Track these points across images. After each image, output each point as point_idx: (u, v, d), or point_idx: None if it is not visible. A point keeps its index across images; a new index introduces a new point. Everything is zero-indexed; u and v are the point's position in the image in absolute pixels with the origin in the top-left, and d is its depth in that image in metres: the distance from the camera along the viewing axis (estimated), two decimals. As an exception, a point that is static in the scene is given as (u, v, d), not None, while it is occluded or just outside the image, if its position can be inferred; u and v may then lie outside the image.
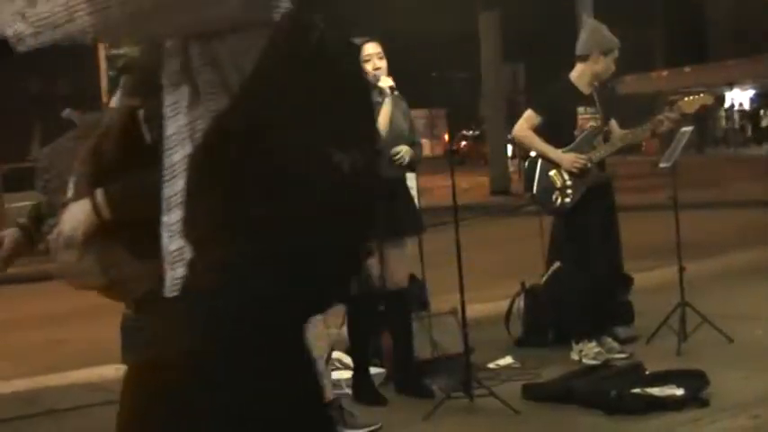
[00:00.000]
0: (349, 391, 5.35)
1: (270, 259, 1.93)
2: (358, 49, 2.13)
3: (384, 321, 5.55)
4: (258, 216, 1.93)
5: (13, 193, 15.71)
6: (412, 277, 5.89)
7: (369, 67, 5.28)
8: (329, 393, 4.70)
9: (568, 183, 5.93)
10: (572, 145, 5.96)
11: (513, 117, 6.48)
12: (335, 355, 5.48)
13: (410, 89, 5.40)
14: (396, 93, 5.30)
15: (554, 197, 5.97)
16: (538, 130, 6.04)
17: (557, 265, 6.43)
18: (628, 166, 17.96)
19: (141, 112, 2.70)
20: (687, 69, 38.38)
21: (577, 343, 5.89)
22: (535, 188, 6.04)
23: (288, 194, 1.93)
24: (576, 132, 5.98)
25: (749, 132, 39.37)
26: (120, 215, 2.72)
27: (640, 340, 6.19)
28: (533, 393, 5.14)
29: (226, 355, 1.93)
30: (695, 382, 4.87)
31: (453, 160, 6.30)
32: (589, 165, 5.91)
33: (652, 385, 4.87)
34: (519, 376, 5.57)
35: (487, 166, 25.97)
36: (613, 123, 6.11)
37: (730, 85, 39.20)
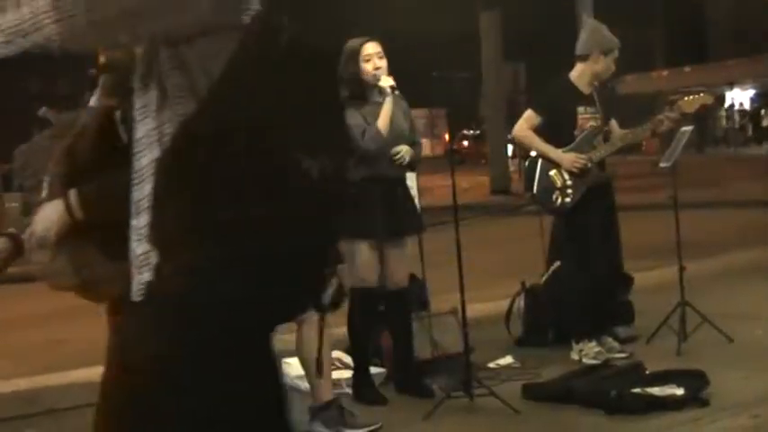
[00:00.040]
0: (349, 390, 5.35)
1: (237, 264, 1.93)
2: (336, 52, 2.10)
3: (384, 321, 5.55)
4: (225, 220, 1.92)
5: (13, 192, 15.73)
6: (412, 277, 5.90)
7: (369, 66, 5.28)
8: (329, 393, 4.71)
9: (568, 182, 5.93)
10: (572, 145, 5.96)
11: (514, 117, 6.48)
12: (336, 354, 5.49)
13: (410, 89, 5.40)
14: (397, 92, 5.30)
15: (554, 197, 5.97)
16: (538, 130, 6.04)
17: (557, 264, 6.43)
18: (628, 165, 17.96)
19: (118, 113, 2.69)
20: (687, 69, 38.39)
21: (577, 343, 5.90)
22: (535, 188, 6.04)
23: (255, 199, 1.93)
24: (576, 132, 5.98)
25: (749, 132, 39.35)
26: (93, 216, 2.70)
27: (640, 340, 6.19)
28: (533, 393, 5.14)
29: (192, 359, 1.93)
30: (695, 382, 4.87)
31: (454, 160, 6.30)
32: (589, 164, 5.91)
33: (652, 385, 4.87)
34: (519, 376, 5.57)
35: (488, 166, 25.97)
36: (613, 123, 6.11)
37: (730, 85, 39.19)
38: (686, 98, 6.04)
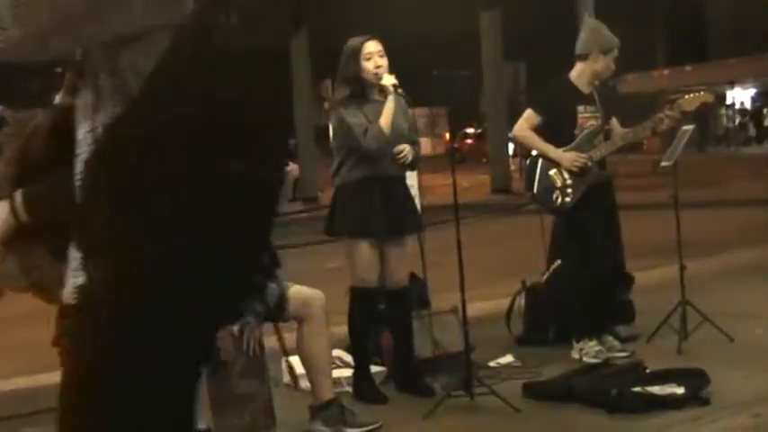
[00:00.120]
0: (349, 389, 5.35)
1: (165, 265, 1.92)
2: (283, 53, 2.07)
3: (384, 320, 5.55)
4: (153, 222, 1.91)
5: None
6: (412, 276, 5.90)
7: (370, 65, 5.28)
8: (330, 391, 4.70)
9: (569, 182, 5.93)
10: (572, 144, 5.96)
11: (515, 116, 6.48)
12: (336, 353, 5.48)
13: (411, 88, 5.40)
14: (400, 90, 5.30)
15: (554, 196, 5.97)
16: (538, 130, 6.04)
17: (557, 263, 6.43)
18: (629, 164, 17.94)
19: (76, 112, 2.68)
20: (688, 68, 38.36)
21: (578, 341, 5.89)
22: (536, 187, 6.04)
23: (183, 201, 1.91)
24: (576, 131, 5.98)
25: (750, 131, 39.31)
26: (38, 217, 2.68)
27: (641, 339, 6.19)
28: (534, 392, 5.14)
29: (124, 361, 1.93)
30: (696, 381, 4.87)
31: (454, 159, 6.30)
32: (589, 164, 5.91)
33: (653, 384, 4.87)
34: (520, 375, 5.56)
35: (488, 165, 25.98)
36: (614, 122, 6.11)
37: (731, 84, 39.17)
38: (686, 96, 6.04)
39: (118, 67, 1.96)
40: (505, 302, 6.71)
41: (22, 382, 6.25)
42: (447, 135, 40.13)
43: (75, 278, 2.03)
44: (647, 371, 5.16)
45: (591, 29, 6.16)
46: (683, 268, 6.12)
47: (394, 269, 5.41)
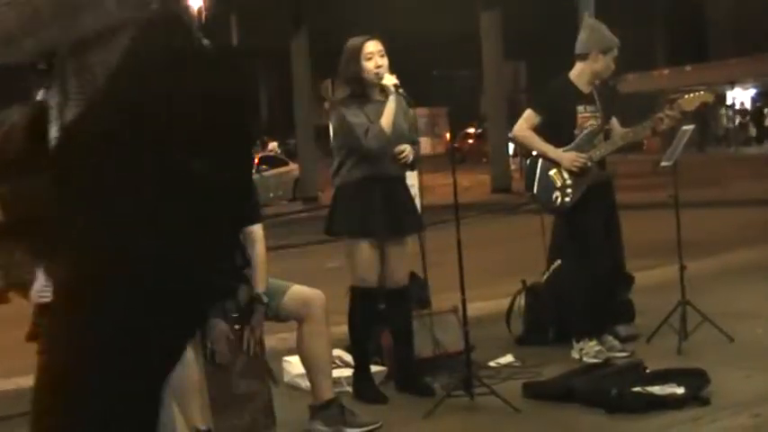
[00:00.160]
0: (349, 389, 5.35)
1: (125, 267, 1.92)
2: (243, 53, 2.06)
3: (385, 319, 5.55)
4: (111, 223, 1.90)
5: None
6: (413, 275, 5.90)
7: (370, 65, 5.27)
8: (330, 391, 4.70)
9: (568, 182, 5.93)
10: (572, 144, 5.96)
11: (515, 116, 6.48)
12: (336, 352, 5.48)
13: (411, 88, 5.40)
14: (401, 90, 5.29)
15: (554, 196, 5.97)
16: (538, 130, 6.04)
17: (557, 263, 6.44)
18: (629, 164, 17.95)
19: None
20: (688, 68, 38.36)
21: (578, 341, 5.89)
22: (535, 187, 6.04)
23: (142, 201, 1.91)
24: (576, 131, 5.97)
25: (750, 131, 39.29)
26: (15, 216, 2.67)
27: (641, 339, 6.19)
28: (534, 392, 5.14)
29: (92, 360, 1.93)
30: (696, 381, 4.87)
31: (455, 158, 6.29)
32: (589, 163, 5.91)
33: (653, 384, 4.87)
34: (520, 374, 5.57)
35: (489, 165, 25.99)
36: (614, 122, 6.11)
37: (731, 84, 39.17)
38: (686, 96, 6.04)
39: (86, 67, 1.94)
40: (505, 302, 6.71)
41: (22, 382, 6.25)
42: (447, 135, 40.12)
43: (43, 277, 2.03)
44: (647, 371, 5.16)
45: (590, 28, 6.15)
46: (682, 268, 6.12)
47: (394, 269, 5.41)
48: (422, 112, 37.32)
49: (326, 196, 14.59)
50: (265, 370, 4.62)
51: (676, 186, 6.12)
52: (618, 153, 6.14)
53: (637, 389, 4.83)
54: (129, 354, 1.96)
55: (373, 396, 5.27)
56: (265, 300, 4.55)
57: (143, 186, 1.90)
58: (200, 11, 49.63)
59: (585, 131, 5.95)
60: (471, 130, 45.10)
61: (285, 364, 5.69)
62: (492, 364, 5.86)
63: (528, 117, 6.09)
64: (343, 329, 5.56)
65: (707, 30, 45.10)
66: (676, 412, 4.65)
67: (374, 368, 5.51)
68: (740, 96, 40.99)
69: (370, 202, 5.25)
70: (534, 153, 6.17)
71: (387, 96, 5.30)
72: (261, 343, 4.58)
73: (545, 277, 6.54)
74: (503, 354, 6.03)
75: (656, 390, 4.81)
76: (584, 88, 6.02)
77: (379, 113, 5.25)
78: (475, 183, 25.13)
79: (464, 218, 5.52)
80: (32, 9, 1.87)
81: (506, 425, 4.75)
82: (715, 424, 4.49)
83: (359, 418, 4.74)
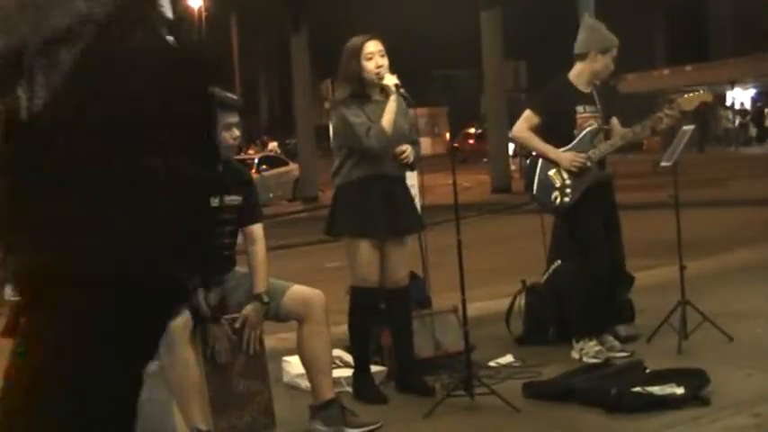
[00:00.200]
0: (349, 389, 5.35)
1: (87, 265, 1.91)
2: (205, 50, 2.05)
3: (385, 319, 5.55)
4: (74, 218, 1.89)
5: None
6: (412, 275, 5.90)
7: (371, 65, 5.27)
8: (330, 391, 4.70)
9: (567, 182, 5.93)
10: (572, 144, 5.96)
11: (515, 115, 6.48)
12: (336, 353, 5.48)
13: (411, 88, 5.40)
14: (402, 90, 5.29)
15: (553, 196, 5.96)
16: (537, 130, 6.04)
17: (557, 263, 6.44)
18: (629, 164, 17.99)
19: None
20: (688, 68, 38.37)
21: (578, 341, 5.89)
22: (535, 188, 6.04)
23: (104, 198, 1.90)
24: (575, 132, 5.97)
25: (750, 131, 39.29)
26: None
27: (641, 339, 6.19)
28: (534, 391, 5.14)
29: (58, 360, 1.93)
30: (696, 381, 4.86)
31: (455, 158, 6.29)
32: (588, 163, 5.91)
33: (653, 384, 4.87)
34: (520, 374, 5.56)
35: (489, 165, 26.01)
36: (615, 121, 6.10)
37: (731, 84, 39.19)
38: (685, 95, 6.03)
39: (56, 64, 1.94)
40: (506, 302, 6.71)
41: None
42: (447, 135, 40.13)
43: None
44: (647, 371, 5.16)
45: (589, 28, 6.15)
46: (683, 268, 6.12)
47: (394, 269, 5.41)
48: (422, 112, 37.33)
49: (326, 196, 14.58)
50: (263, 365, 4.63)
51: (676, 186, 6.12)
52: (618, 153, 6.14)
53: (637, 389, 4.82)
54: (99, 353, 1.95)
55: (373, 396, 5.27)
56: (266, 299, 4.55)
57: (105, 183, 1.90)
58: (199, 11, 49.68)
59: (585, 131, 5.95)
60: (472, 131, 45.14)
61: (285, 364, 5.69)
62: (492, 364, 5.86)
63: (527, 117, 6.09)
64: (343, 329, 5.56)
65: (707, 29, 45.13)
66: (676, 412, 4.65)
67: (374, 368, 5.51)
68: (740, 96, 41.00)
69: (371, 202, 5.25)
70: (534, 153, 6.17)
71: (387, 96, 5.30)
72: (261, 343, 4.58)
73: (545, 277, 6.55)
74: (503, 354, 6.02)
75: (656, 390, 4.81)
76: (584, 88, 6.02)
77: (380, 113, 5.25)
78: (475, 183, 25.16)
79: (464, 218, 5.52)
80: (1, 7, 1.86)
81: (506, 425, 4.75)
82: (715, 424, 4.49)
83: (359, 419, 4.74)
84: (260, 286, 4.57)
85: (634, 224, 7.58)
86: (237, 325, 4.47)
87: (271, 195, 26.33)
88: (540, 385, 5.24)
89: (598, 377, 5.14)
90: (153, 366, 3.47)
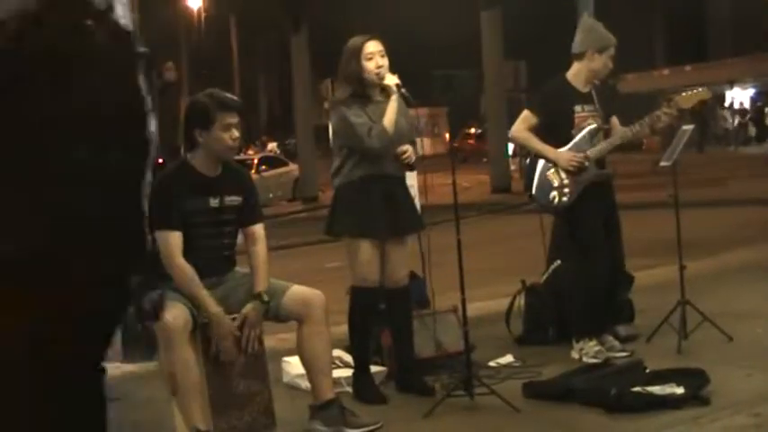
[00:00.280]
0: (349, 389, 5.35)
1: (8, 266, 1.89)
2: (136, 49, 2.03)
3: (385, 319, 5.55)
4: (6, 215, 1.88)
5: None
6: (412, 275, 5.90)
7: (371, 65, 5.27)
8: (330, 392, 4.70)
9: (566, 182, 5.92)
10: (571, 143, 5.96)
11: (515, 115, 6.48)
12: (336, 353, 5.48)
13: (411, 88, 5.40)
14: (403, 90, 5.29)
15: (551, 196, 5.96)
16: (536, 130, 6.04)
17: (557, 263, 6.44)
18: (629, 164, 17.99)
19: None
20: (688, 68, 38.37)
21: (578, 341, 5.89)
22: (534, 188, 6.04)
23: (23, 195, 1.89)
24: (573, 131, 5.97)
25: (750, 131, 39.29)
26: None
27: (641, 338, 6.19)
28: (534, 391, 5.14)
29: (10, 363, 1.92)
30: (696, 381, 4.87)
31: (455, 158, 6.29)
32: (586, 163, 5.91)
33: (652, 384, 4.87)
34: (519, 374, 5.56)
35: (489, 165, 26.02)
36: (614, 121, 6.10)
37: (731, 84, 39.19)
38: (684, 94, 6.03)
39: None
40: (505, 302, 6.71)
41: None
42: (447, 135, 40.14)
43: None
44: (647, 371, 5.16)
45: (586, 28, 6.15)
46: (682, 268, 6.12)
47: (395, 269, 5.41)
48: (422, 111, 37.22)
49: (327, 196, 14.57)
50: (263, 365, 4.62)
51: (676, 186, 6.12)
52: (618, 152, 6.14)
53: (636, 389, 4.83)
54: (46, 353, 1.95)
55: (373, 396, 5.27)
56: (266, 299, 4.55)
57: (24, 177, 1.89)
58: (199, 11, 49.69)
59: (585, 131, 5.95)
60: (472, 131, 45.14)
61: (285, 365, 5.69)
62: (492, 364, 5.86)
63: (525, 118, 6.09)
64: (343, 329, 5.56)
65: (706, 29, 45.12)
66: (676, 412, 4.65)
67: (374, 368, 5.51)
68: (739, 96, 41.01)
69: (371, 202, 5.25)
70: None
71: (388, 96, 5.30)
72: (261, 343, 4.58)
73: (545, 277, 6.55)
74: (502, 353, 6.03)
75: (655, 389, 4.81)
76: (582, 88, 6.02)
77: (381, 113, 5.25)
78: (475, 183, 25.16)
79: (464, 218, 5.52)
80: None
81: (506, 425, 4.75)
82: (715, 424, 4.49)
83: (359, 419, 4.74)
84: (260, 286, 4.57)
85: (634, 224, 7.58)
86: (237, 324, 4.47)
87: (270, 196, 26.33)
88: (540, 385, 5.24)
89: (598, 377, 5.14)
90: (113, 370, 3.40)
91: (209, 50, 50.30)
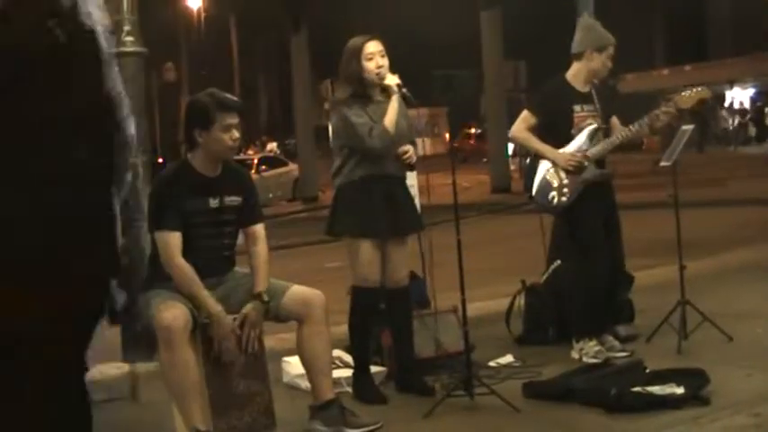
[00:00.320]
0: (349, 389, 5.35)
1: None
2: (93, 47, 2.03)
3: (385, 319, 5.55)
4: None
5: None
6: (412, 275, 5.90)
7: (371, 65, 5.27)
8: (330, 392, 4.70)
9: (565, 182, 5.92)
10: (571, 143, 5.96)
11: (515, 115, 6.49)
12: (336, 353, 5.48)
13: (411, 88, 5.40)
14: (404, 90, 5.29)
15: (551, 196, 5.96)
16: (535, 130, 6.04)
17: (557, 263, 6.44)
18: (628, 164, 17.98)
19: None
20: (687, 68, 38.39)
21: (578, 341, 5.89)
22: (534, 188, 6.03)
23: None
24: (573, 131, 5.97)
25: (750, 131, 39.30)
26: None
27: (641, 338, 6.19)
28: (534, 391, 5.14)
29: None
30: (695, 381, 4.87)
31: (455, 158, 6.29)
32: (585, 162, 5.91)
33: (652, 384, 4.87)
34: (519, 374, 5.56)
35: (489, 165, 26.02)
36: (615, 121, 6.10)
37: (731, 84, 39.18)
38: (683, 93, 6.03)
39: None
40: (505, 302, 6.71)
41: None
42: (447, 135, 40.14)
43: None
44: (647, 371, 5.16)
45: (585, 27, 6.15)
46: (682, 268, 6.12)
47: (395, 269, 5.41)
48: (422, 111, 37.26)
49: (326, 196, 14.56)
50: (263, 365, 4.62)
51: (676, 186, 6.12)
52: (618, 152, 6.14)
53: (636, 389, 4.82)
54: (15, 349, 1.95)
55: (373, 396, 5.27)
56: (266, 298, 4.55)
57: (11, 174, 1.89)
58: (199, 11, 49.67)
59: (585, 131, 5.95)
60: (472, 131, 45.15)
61: (285, 365, 5.69)
62: (492, 364, 5.86)
63: (524, 118, 6.09)
64: (343, 329, 5.56)
65: (706, 29, 45.14)
66: (676, 412, 4.65)
67: (374, 368, 5.51)
68: (739, 96, 41.01)
69: (372, 202, 5.25)
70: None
71: (388, 96, 5.30)
72: (261, 343, 4.58)
73: (545, 277, 6.55)
74: (503, 353, 6.03)
75: (655, 389, 4.81)
76: (582, 87, 6.02)
77: (381, 113, 5.24)
78: (475, 183, 25.16)
79: (464, 218, 5.52)
80: None
81: (506, 425, 4.75)
82: (715, 423, 4.49)
83: (359, 419, 4.74)
84: (261, 285, 4.56)
85: (634, 224, 7.58)
86: (237, 323, 4.47)
87: (270, 196, 26.35)
88: (540, 385, 5.24)
89: (598, 377, 5.14)
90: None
91: (209, 50, 50.30)
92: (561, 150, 5.95)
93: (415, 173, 5.88)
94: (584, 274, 5.89)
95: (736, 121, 39.64)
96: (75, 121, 1.99)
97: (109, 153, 2.08)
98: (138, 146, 6.24)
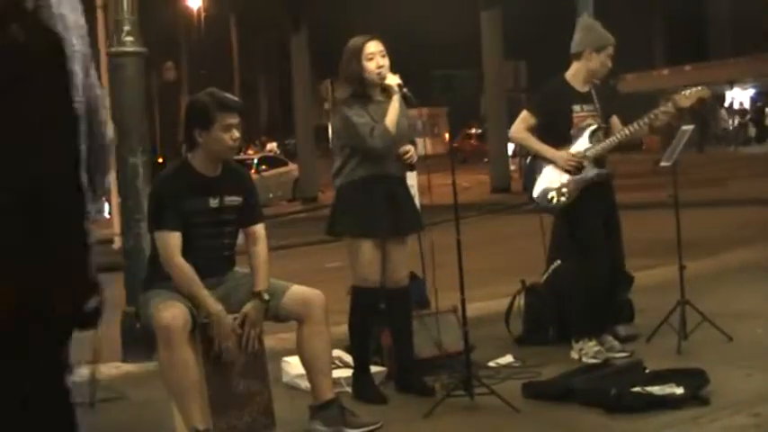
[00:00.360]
0: (349, 389, 5.35)
1: None
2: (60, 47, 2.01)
3: (385, 319, 5.55)
4: None
5: None
6: (412, 275, 5.90)
7: (372, 65, 5.27)
8: (330, 392, 4.70)
9: (565, 182, 5.92)
10: (571, 143, 5.95)
11: (515, 115, 6.49)
12: (336, 353, 5.48)
13: (411, 88, 5.40)
14: (405, 90, 5.29)
15: (550, 196, 5.96)
16: (535, 130, 6.04)
17: (557, 263, 6.44)
18: (628, 164, 17.98)
19: None
20: (687, 68, 38.38)
21: (577, 341, 5.89)
22: (534, 188, 6.03)
23: None
24: (572, 131, 5.97)
25: (750, 131, 39.30)
26: None
27: (640, 339, 6.19)
28: (533, 392, 5.14)
29: None
30: (695, 381, 4.87)
31: (455, 158, 6.29)
32: (584, 162, 5.91)
33: (652, 384, 4.87)
34: (519, 374, 5.56)
35: (489, 165, 26.03)
36: (615, 121, 6.10)
37: (730, 84, 39.18)
38: (682, 93, 6.02)
39: None
40: (505, 302, 6.71)
41: None
42: (446, 135, 40.14)
43: None
44: (647, 371, 5.16)
45: (584, 27, 6.15)
46: (682, 268, 6.12)
47: (395, 269, 5.41)
48: (422, 111, 37.33)
49: (326, 196, 14.55)
50: (263, 365, 4.61)
51: (676, 186, 6.12)
52: (618, 152, 6.13)
53: (636, 389, 4.82)
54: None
55: (373, 396, 5.27)
56: (266, 297, 4.55)
57: None
58: (199, 11, 49.67)
59: (585, 131, 5.95)
60: (472, 131, 45.15)
61: (285, 365, 5.69)
62: (492, 364, 5.86)
63: (524, 118, 6.09)
64: (343, 329, 5.56)
65: (706, 29, 45.15)
66: (676, 412, 4.65)
67: (374, 368, 5.51)
68: (739, 96, 41.01)
69: (373, 202, 5.25)
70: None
71: (389, 96, 5.29)
72: (261, 343, 4.58)
73: (544, 277, 6.54)
74: (502, 354, 6.03)
75: (655, 390, 4.81)
76: (581, 87, 6.02)
77: (382, 113, 5.24)
78: (475, 183, 25.16)
79: (464, 218, 5.52)
80: None
81: (506, 425, 4.75)
82: (714, 424, 4.49)
83: (359, 419, 4.74)
84: (261, 285, 4.56)
85: (634, 224, 7.58)
86: (238, 322, 4.47)
87: (270, 196, 26.35)
88: (540, 385, 5.24)
89: (598, 377, 5.14)
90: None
91: (208, 50, 50.30)
92: (561, 150, 5.94)
93: (414, 173, 5.88)
94: (584, 274, 5.89)
95: (736, 122, 39.63)
96: (34, 123, 1.97)
97: (70, 158, 2.06)
98: (138, 146, 6.29)
